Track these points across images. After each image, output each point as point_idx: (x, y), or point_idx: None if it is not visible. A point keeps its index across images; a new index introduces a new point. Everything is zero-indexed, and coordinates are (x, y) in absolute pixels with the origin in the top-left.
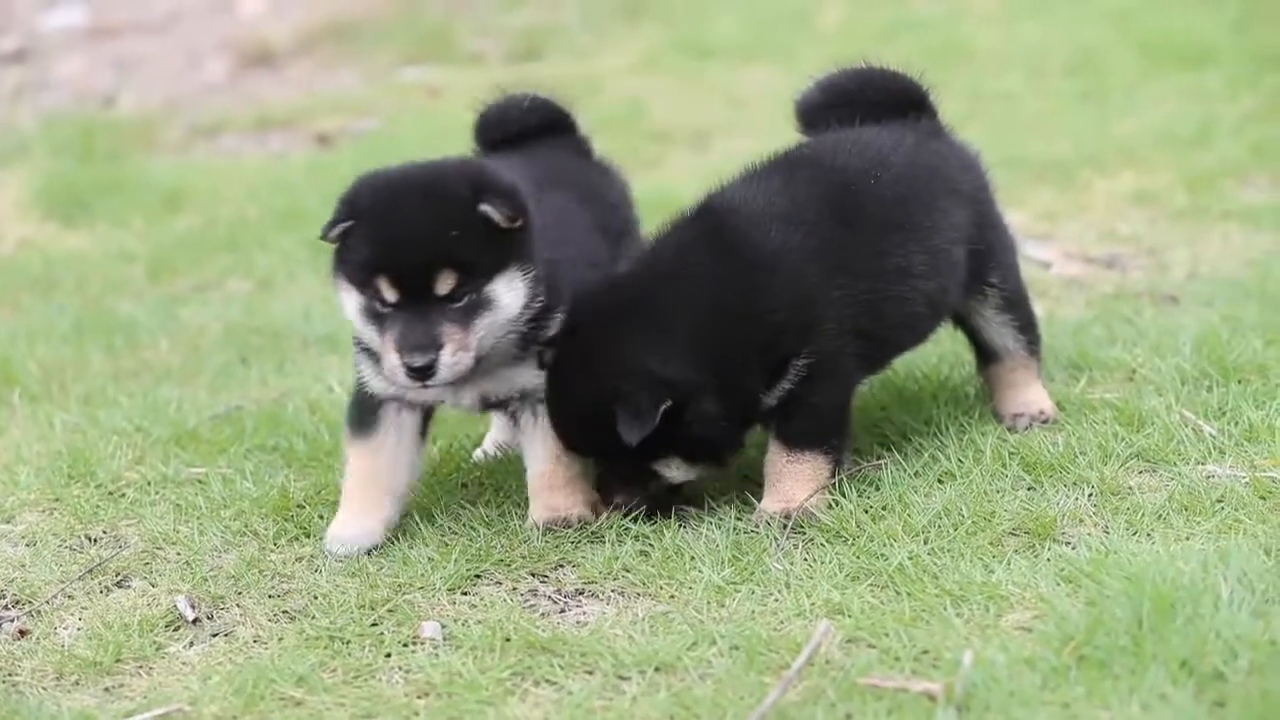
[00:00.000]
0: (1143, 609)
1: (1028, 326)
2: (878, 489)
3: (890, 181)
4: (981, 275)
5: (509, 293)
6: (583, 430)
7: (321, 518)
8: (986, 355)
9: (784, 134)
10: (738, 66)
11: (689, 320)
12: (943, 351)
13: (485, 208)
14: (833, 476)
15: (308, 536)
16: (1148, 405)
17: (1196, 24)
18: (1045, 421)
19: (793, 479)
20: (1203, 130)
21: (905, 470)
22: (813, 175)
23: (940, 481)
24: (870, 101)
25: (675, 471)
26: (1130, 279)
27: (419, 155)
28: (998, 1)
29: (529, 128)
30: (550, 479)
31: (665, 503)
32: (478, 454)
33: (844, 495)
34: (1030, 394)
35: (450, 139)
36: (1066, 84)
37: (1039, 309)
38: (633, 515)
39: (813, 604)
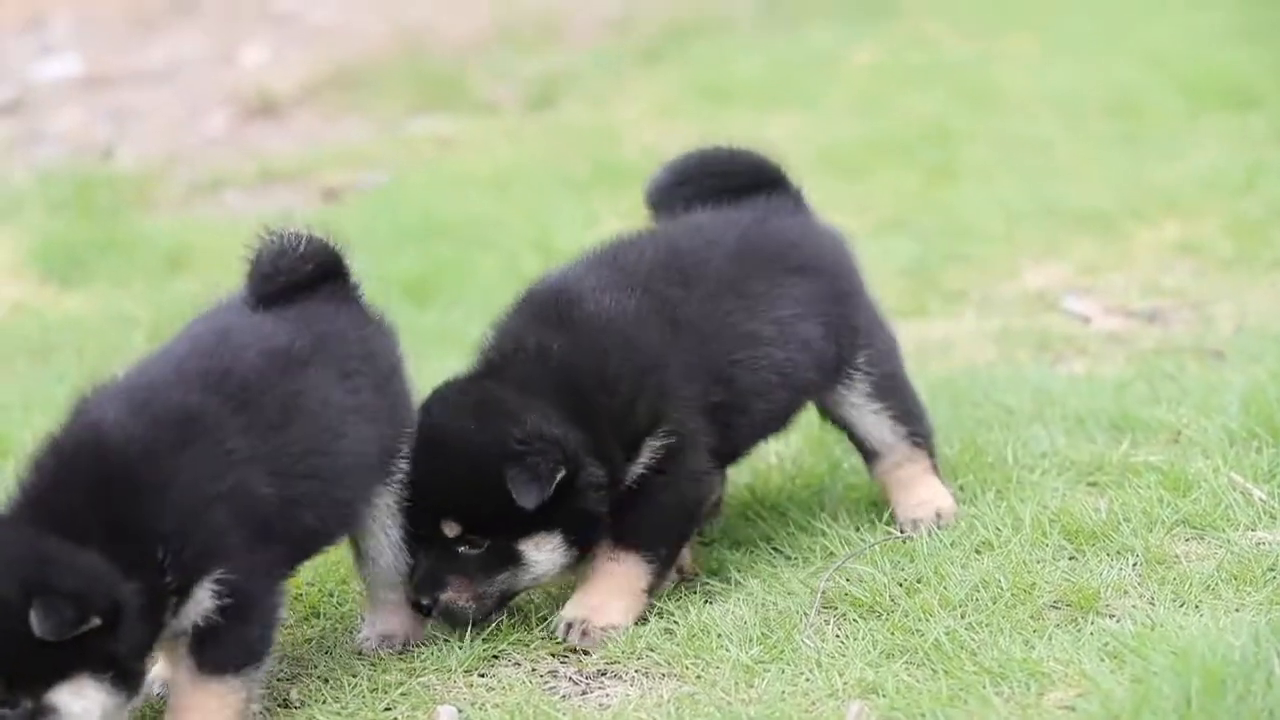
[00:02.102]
0: (1191, 686)
1: (909, 416)
2: (912, 560)
3: (723, 256)
4: (846, 358)
5: (80, 701)
6: (456, 493)
7: (331, 595)
8: (867, 453)
9: (813, 182)
10: (761, 112)
11: (550, 390)
12: (980, 415)
13: (34, 616)
14: (649, 592)
15: (317, 617)
16: (1194, 468)
17: (1240, 64)
18: (943, 523)
19: (606, 584)
20: (1250, 175)
21: (940, 540)
22: (641, 246)
23: (978, 552)
24: (713, 185)
25: (545, 555)
26: (1174, 333)
27: (428, 209)
28: (1030, 43)
29: (304, 278)
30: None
31: (492, 611)
32: None
33: (877, 567)
34: (923, 491)
35: (462, 192)
36: (1104, 128)
37: (1078, 366)
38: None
39: (845, 683)
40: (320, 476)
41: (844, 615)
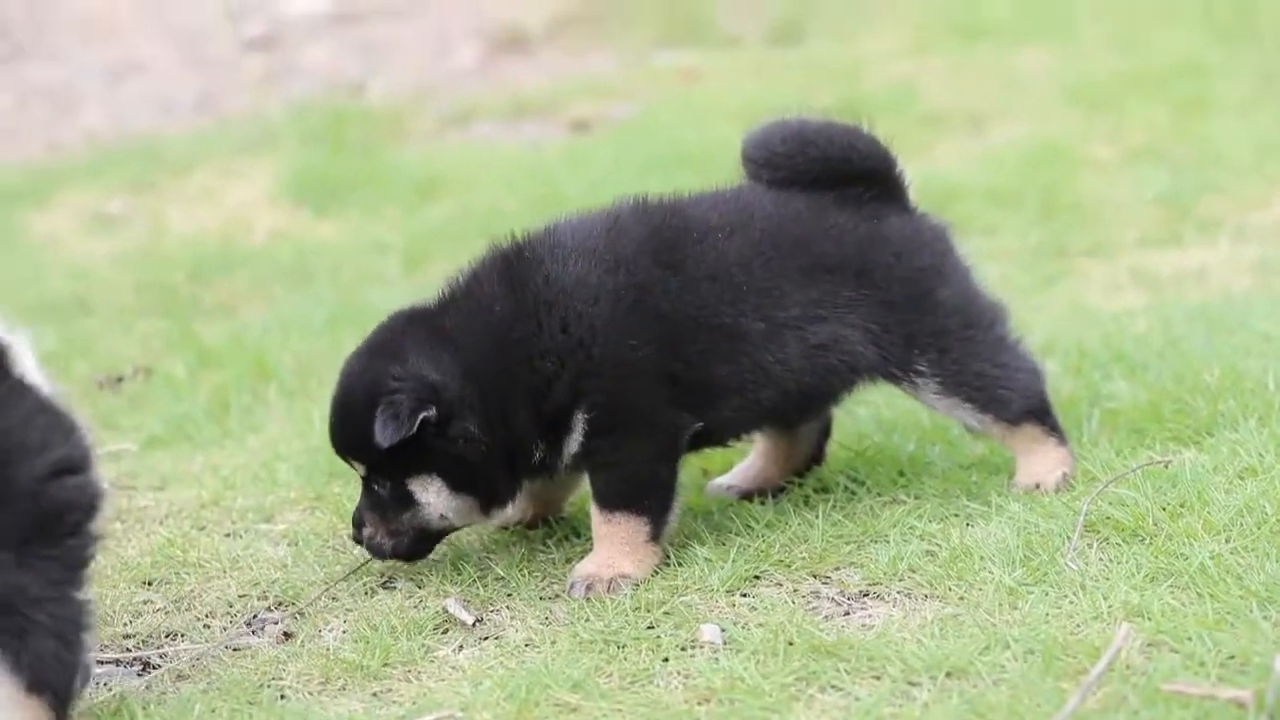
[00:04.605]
0: None
1: (992, 403)
2: (1175, 485)
3: (738, 241)
4: (903, 364)
5: None
6: (345, 430)
7: None
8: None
9: (1062, 117)
10: (1012, 47)
11: (468, 342)
12: (1237, 342)
13: None
14: (652, 540)
15: (578, 536)
16: None
17: None
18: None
19: (609, 544)
20: None
21: (1203, 465)
22: (646, 217)
23: (1240, 477)
24: (806, 165)
25: (433, 498)
26: None
27: (677, 141)
28: None
29: None
30: None
31: (415, 547)
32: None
33: (1139, 492)
34: (1039, 462)
35: (710, 124)
36: None
37: None
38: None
39: (1110, 606)
40: None
41: (1106, 539)
